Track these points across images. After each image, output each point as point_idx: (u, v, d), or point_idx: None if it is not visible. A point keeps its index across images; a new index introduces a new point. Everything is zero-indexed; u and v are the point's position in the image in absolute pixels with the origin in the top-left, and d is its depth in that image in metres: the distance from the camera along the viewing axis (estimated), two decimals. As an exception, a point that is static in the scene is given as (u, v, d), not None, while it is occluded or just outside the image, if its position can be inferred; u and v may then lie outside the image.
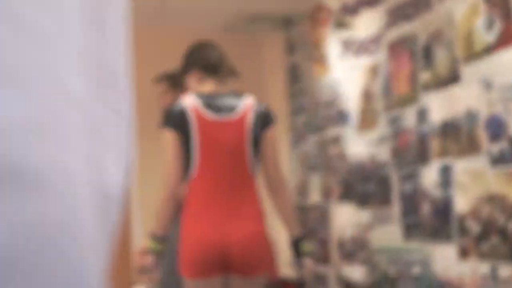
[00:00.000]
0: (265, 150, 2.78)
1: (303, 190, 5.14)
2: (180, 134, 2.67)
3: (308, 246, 2.84)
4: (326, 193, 4.71)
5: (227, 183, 2.70)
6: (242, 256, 2.65)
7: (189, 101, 2.71)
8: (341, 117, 4.43)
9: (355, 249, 4.29)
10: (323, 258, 4.80)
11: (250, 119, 2.74)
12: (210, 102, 2.73)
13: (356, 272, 4.28)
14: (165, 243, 2.80)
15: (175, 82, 3.77)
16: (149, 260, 2.74)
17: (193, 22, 5.40)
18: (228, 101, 2.76)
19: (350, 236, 4.36)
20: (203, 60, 2.84)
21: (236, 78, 2.93)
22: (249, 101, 2.79)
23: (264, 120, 2.78)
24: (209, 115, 2.70)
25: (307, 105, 5.00)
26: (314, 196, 4.93)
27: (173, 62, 3.09)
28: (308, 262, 2.82)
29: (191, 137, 2.67)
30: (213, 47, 2.91)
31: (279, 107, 5.57)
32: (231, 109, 2.74)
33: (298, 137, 5.18)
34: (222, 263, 2.66)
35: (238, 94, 2.82)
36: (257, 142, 2.76)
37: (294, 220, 2.83)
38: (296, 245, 2.82)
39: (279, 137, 5.64)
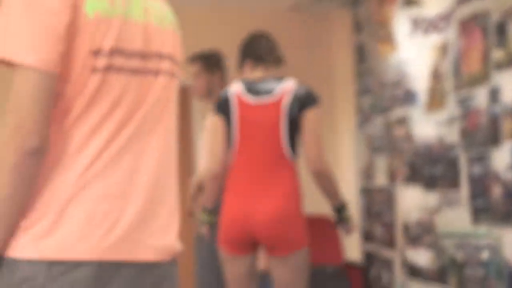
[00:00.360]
0: (304, 131, 2.86)
1: (368, 172, 5.05)
2: (224, 118, 2.90)
3: (346, 214, 3.00)
4: (392, 176, 4.60)
5: (261, 163, 2.84)
6: (268, 234, 2.78)
7: (234, 87, 2.93)
8: (408, 98, 4.31)
9: (421, 233, 4.19)
10: (388, 242, 4.71)
11: (287, 100, 2.84)
12: (252, 87, 2.91)
13: (421, 256, 4.18)
14: (216, 215, 3.05)
15: (209, 63, 3.72)
16: (205, 230, 3.08)
17: (259, 2, 5.36)
18: (268, 85, 2.91)
19: (416, 220, 4.25)
20: (255, 51, 3.01)
21: (281, 66, 3.07)
22: (289, 84, 2.89)
23: (304, 101, 2.85)
24: (249, 98, 2.88)
25: (373, 85, 4.90)
26: (380, 179, 4.83)
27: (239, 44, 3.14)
28: (347, 228, 3.02)
29: (232, 119, 2.88)
30: (263, 38, 3.07)
31: (346, 87, 5.47)
32: (269, 91, 2.88)
33: (364, 118, 5.08)
34: (251, 240, 2.83)
35: (280, 78, 2.95)
36: (295, 123, 2.85)
37: (335, 193, 2.95)
38: (338, 212, 3.00)
39: (345, 118, 5.55)
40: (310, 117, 2.84)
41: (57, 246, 1.24)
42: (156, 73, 1.38)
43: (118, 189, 1.30)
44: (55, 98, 1.25)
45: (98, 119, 1.28)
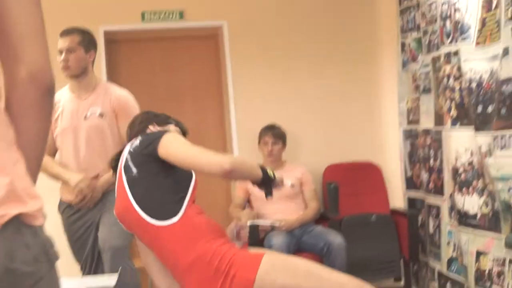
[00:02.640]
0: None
1: (413, 114, 4.76)
2: None
3: (269, 176, 2.43)
4: (439, 117, 4.31)
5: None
6: None
7: None
8: (458, 31, 3.98)
9: (471, 178, 3.91)
10: (436, 188, 4.45)
11: (123, 161, 2.50)
12: None
13: (471, 202, 3.91)
14: None
15: (88, 39, 3.54)
16: None
17: None
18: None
19: (465, 163, 3.97)
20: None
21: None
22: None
23: (141, 148, 2.42)
24: None
25: (419, 21, 4.57)
26: (426, 121, 4.54)
27: None
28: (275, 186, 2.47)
29: None
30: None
31: (390, 24, 5.15)
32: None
33: (409, 57, 4.77)
34: None
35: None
36: (138, 181, 2.41)
37: (254, 175, 2.39)
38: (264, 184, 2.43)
39: (389, 57, 5.23)
40: (162, 151, 2.34)
41: None
42: None
43: None
44: None
45: None
